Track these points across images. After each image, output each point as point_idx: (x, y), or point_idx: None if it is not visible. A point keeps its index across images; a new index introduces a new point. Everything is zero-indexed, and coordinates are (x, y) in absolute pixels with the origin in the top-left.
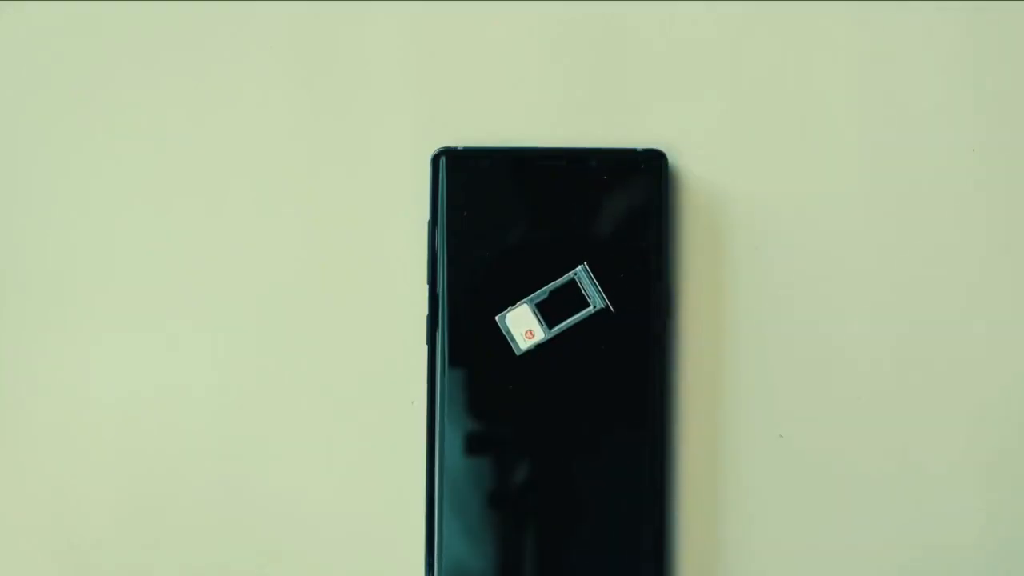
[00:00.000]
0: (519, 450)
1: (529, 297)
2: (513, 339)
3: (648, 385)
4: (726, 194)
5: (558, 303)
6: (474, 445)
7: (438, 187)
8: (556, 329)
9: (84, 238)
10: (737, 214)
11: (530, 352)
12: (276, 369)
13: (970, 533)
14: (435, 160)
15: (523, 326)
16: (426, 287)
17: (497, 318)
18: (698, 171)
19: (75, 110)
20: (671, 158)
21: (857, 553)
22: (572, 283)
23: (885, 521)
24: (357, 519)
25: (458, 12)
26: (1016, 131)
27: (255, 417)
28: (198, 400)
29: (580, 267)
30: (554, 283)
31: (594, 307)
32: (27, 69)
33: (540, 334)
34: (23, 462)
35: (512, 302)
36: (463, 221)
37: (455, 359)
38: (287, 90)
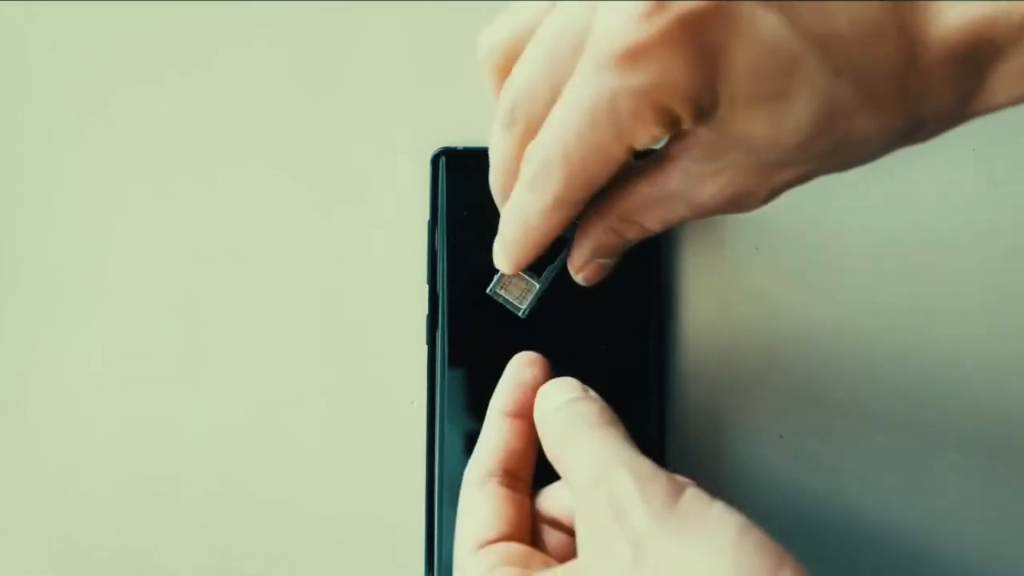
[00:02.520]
0: None
1: None
2: (512, 304)
3: (648, 385)
4: None
5: (539, 260)
6: (474, 445)
7: (438, 187)
8: (545, 276)
9: (84, 238)
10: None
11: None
12: (276, 369)
13: (970, 531)
14: (435, 160)
15: (515, 289)
16: (426, 287)
17: (488, 291)
18: None
19: (75, 109)
20: None
21: (857, 552)
22: None
23: (885, 521)
24: (357, 519)
25: (458, 12)
26: (1016, 131)
27: (255, 417)
28: (198, 400)
29: None
30: None
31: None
32: (27, 69)
33: (535, 285)
34: (23, 462)
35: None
36: (463, 221)
37: (455, 359)
38: (287, 90)
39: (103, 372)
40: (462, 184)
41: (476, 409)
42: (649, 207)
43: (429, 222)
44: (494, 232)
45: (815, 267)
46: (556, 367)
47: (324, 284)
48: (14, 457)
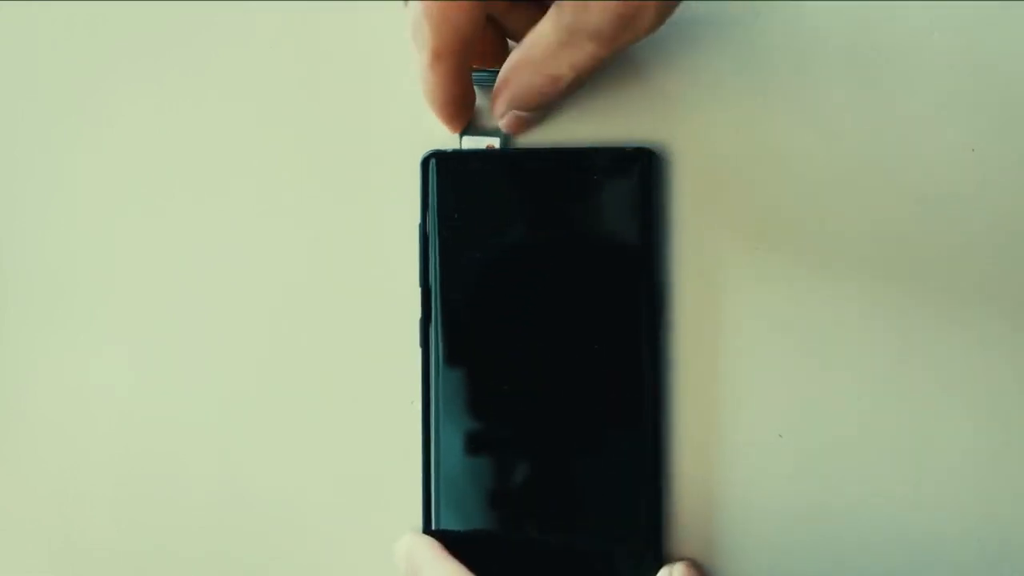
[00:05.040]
0: (515, 450)
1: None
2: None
3: (645, 385)
4: (724, 193)
5: None
6: (470, 445)
7: (428, 189)
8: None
9: (84, 238)
10: (735, 213)
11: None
12: (276, 370)
13: (970, 530)
14: (425, 162)
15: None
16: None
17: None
18: (687, 169)
19: (76, 110)
20: (670, 157)
21: (856, 552)
22: None
23: (885, 520)
24: (357, 519)
25: None
26: (1016, 131)
27: (255, 417)
28: (198, 401)
29: None
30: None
31: None
32: (27, 69)
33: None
34: (23, 462)
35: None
36: (454, 223)
37: (449, 360)
38: (281, 93)
39: (103, 372)
40: (452, 186)
41: (471, 411)
42: (554, 51)
43: (420, 224)
44: (485, 234)
45: (814, 267)
46: (550, 367)
47: (323, 284)
48: (14, 457)
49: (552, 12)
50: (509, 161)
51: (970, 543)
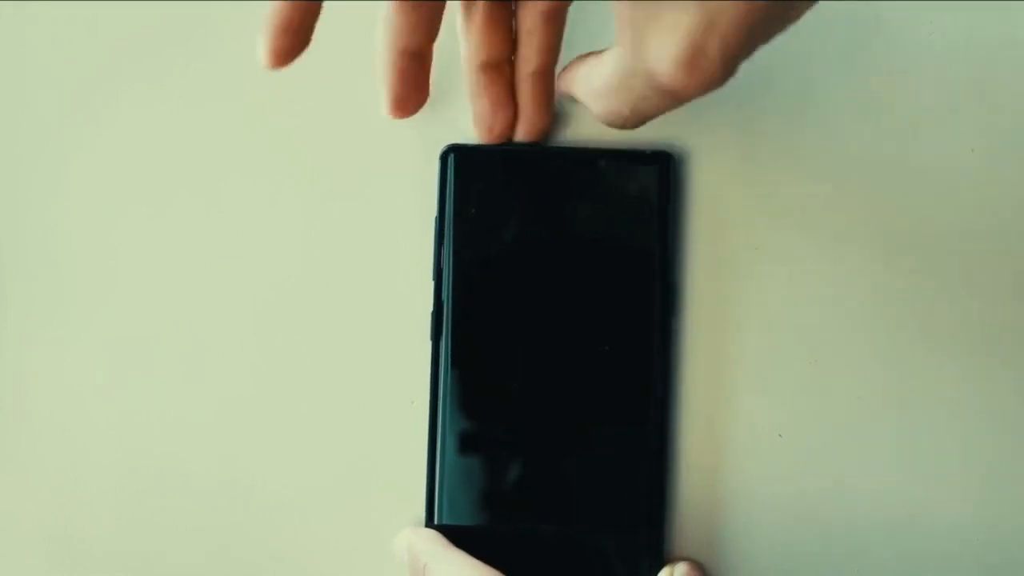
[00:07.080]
0: (520, 446)
1: None
2: None
3: (650, 385)
4: (730, 194)
5: None
6: (476, 440)
7: (446, 184)
8: None
9: (85, 238)
10: (740, 214)
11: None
12: (277, 368)
13: (970, 529)
14: (444, 157)
15: None
16: (430, 285)
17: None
18: (702, 171)
19: (76, 109)
20: (687, 159)
21: (856, 552)
22: None
23: (886, 521)
24: (357, 519)
25: None
26: (1016, 131)
27: (255, 416)
28: (198, 399)
29: None
30: None
31: None
32: (27, 69)
33: None
34: (23, 462)
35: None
36: (470, 218)
37: (459, 357)
38: (293, 86)
39: (103, 372)
40: (471, 181)
41: (479, 405)
42: (609, 90)
43: (436, 218)
44: (502, 230)
45: (815, 268)
46: (559, 364)
47: (327, 281)
48: (14, 457)
49: (616, 52)
50: (528, 158)
51: (970, 541)
